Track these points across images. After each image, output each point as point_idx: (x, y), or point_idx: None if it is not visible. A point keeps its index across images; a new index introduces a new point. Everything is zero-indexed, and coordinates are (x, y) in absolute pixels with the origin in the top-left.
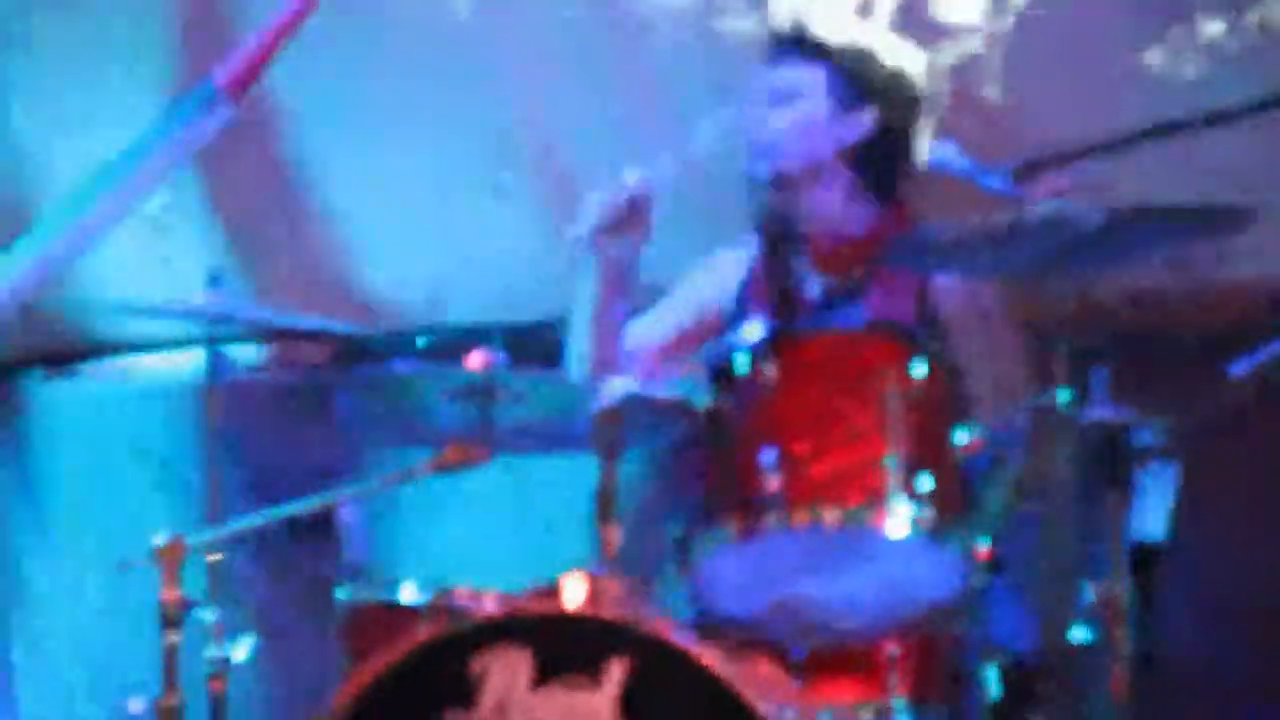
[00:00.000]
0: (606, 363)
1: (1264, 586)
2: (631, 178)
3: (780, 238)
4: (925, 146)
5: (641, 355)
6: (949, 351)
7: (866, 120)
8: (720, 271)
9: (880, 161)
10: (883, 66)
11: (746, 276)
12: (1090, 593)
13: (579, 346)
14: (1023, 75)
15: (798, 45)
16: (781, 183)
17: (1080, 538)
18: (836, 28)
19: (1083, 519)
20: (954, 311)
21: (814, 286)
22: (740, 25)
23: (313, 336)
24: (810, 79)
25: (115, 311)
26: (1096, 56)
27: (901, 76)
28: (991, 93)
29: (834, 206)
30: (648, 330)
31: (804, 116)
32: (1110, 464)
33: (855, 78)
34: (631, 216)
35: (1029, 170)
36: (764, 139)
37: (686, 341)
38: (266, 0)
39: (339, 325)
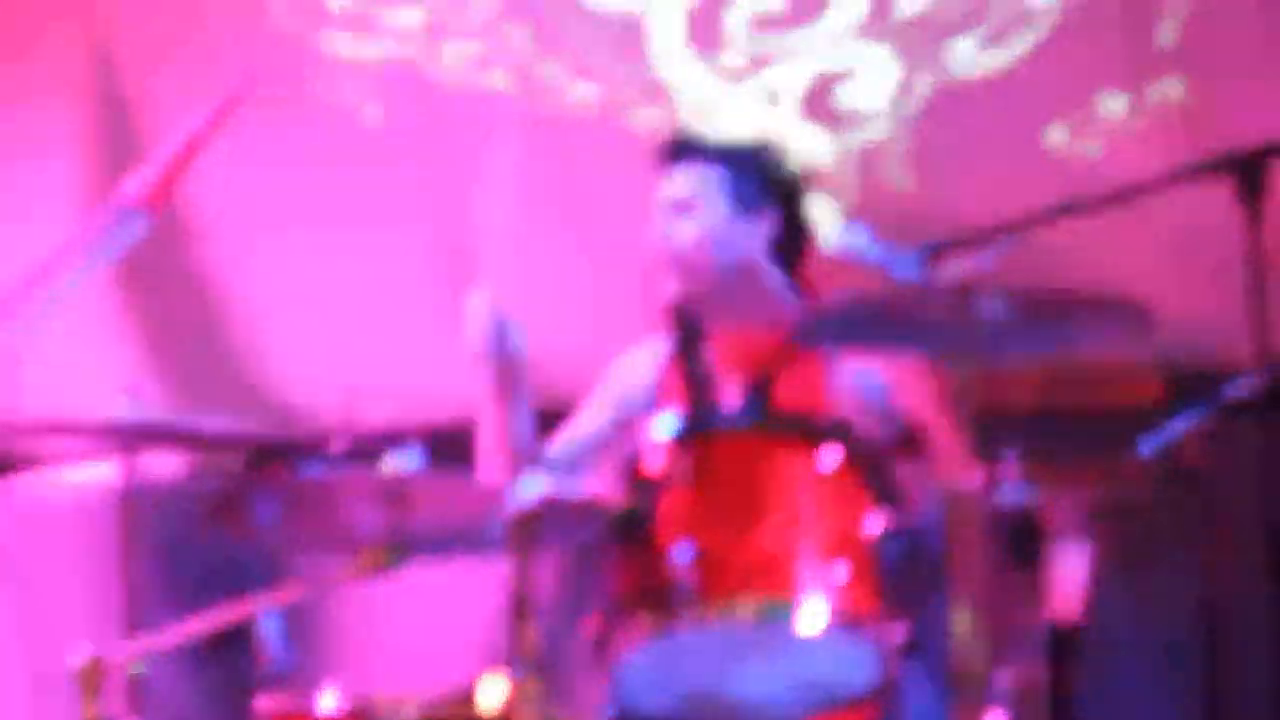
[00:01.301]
0: (513, 465)
1: (1181, 666)
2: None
3: (688, 334)
4: (838, 230)
5: (572, 462)
6: (860, 440)
7: (766, 225)
8: (633, 370)
9: (788, 260)
10: (780, 161)
11: (659, 374)
12: (1006, 678)
13: (485, 451)
14: (929, 158)
15: (689, 149)
16: (691, 293)
17: (995, 621)
18: (742, 117)
19: (997, 602)
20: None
21: (730, 390)
22: (651, 115)
23: (229, 444)
24: (706, 183)
25: (30, 430)
26: (1000, 137)
27: (798, 172)
28: (899, 177)
29: (745, 310)
30: (572, 440)
31: (706, 224)
32: (1023, 547)
33: (753, 177)
34: (505, 321)
35: (937, 254)
36: (669, 251)
37: (611, 442)
38: (180, 109)
39: (254, 430)
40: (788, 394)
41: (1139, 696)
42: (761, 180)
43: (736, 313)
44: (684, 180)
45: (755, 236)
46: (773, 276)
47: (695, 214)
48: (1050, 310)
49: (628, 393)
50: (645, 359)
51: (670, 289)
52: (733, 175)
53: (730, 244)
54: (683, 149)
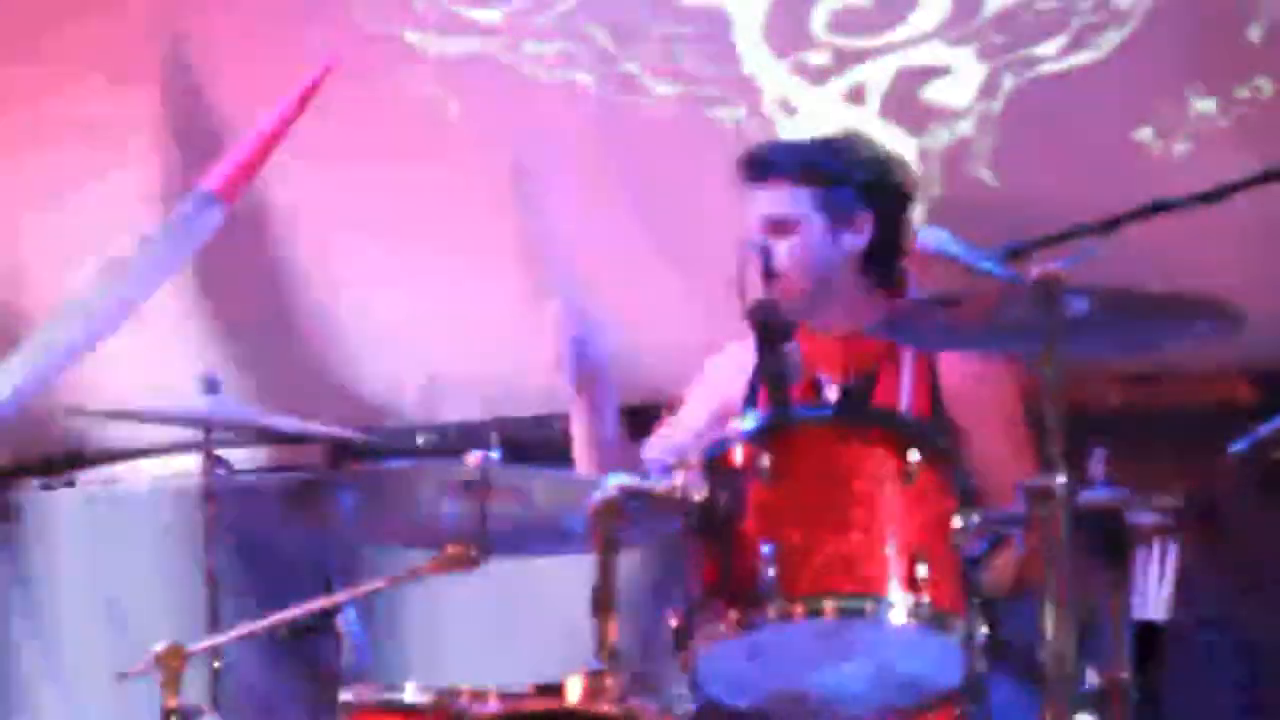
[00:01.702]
0: (600, 462)
1: (1268, 666)
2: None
3: (770, 328)
4: (920, 231)
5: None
6: (949, 437)
7: (864, 229)
8: (725, 369)
9: (883, 259)
10: (869, 164)
11: (752, 370)
12: (1093, 676)
13: (577, 449)
14: (1014, 156)
15: (781, 165)
16: (792, 304)
17: (1082, 620)
18: (826, 117)
19: (1084, 601)
20: (959, 394)
21: (829, 389)
22: (734, 113)
23: (309, 438)
24: (801, 200)
25: (112, 418)
26: (1087, 136)
27: (889, 168)
28: (983, 174)
29: (844, 312)
30: (668, 438)
31: (805, 243)
32: (1109, 545)
33: (845, 186)
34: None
35: (1021, 252)
36: (769, 268)
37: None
38: (260, 104)
39: (335, 428)
40: (884, 394)
41: (1227, 696)
42: (854, 187)
43: (831, 316)
44: (779, 198)
45: (852, 247)
46: (869, 279)
47: (793, 233)
48: (1137, 309)
49: (724, 387)
50: (741, 354)
51: (770, 298)
52: (826, 188)
53: (828, 258)
54: (775, 165)
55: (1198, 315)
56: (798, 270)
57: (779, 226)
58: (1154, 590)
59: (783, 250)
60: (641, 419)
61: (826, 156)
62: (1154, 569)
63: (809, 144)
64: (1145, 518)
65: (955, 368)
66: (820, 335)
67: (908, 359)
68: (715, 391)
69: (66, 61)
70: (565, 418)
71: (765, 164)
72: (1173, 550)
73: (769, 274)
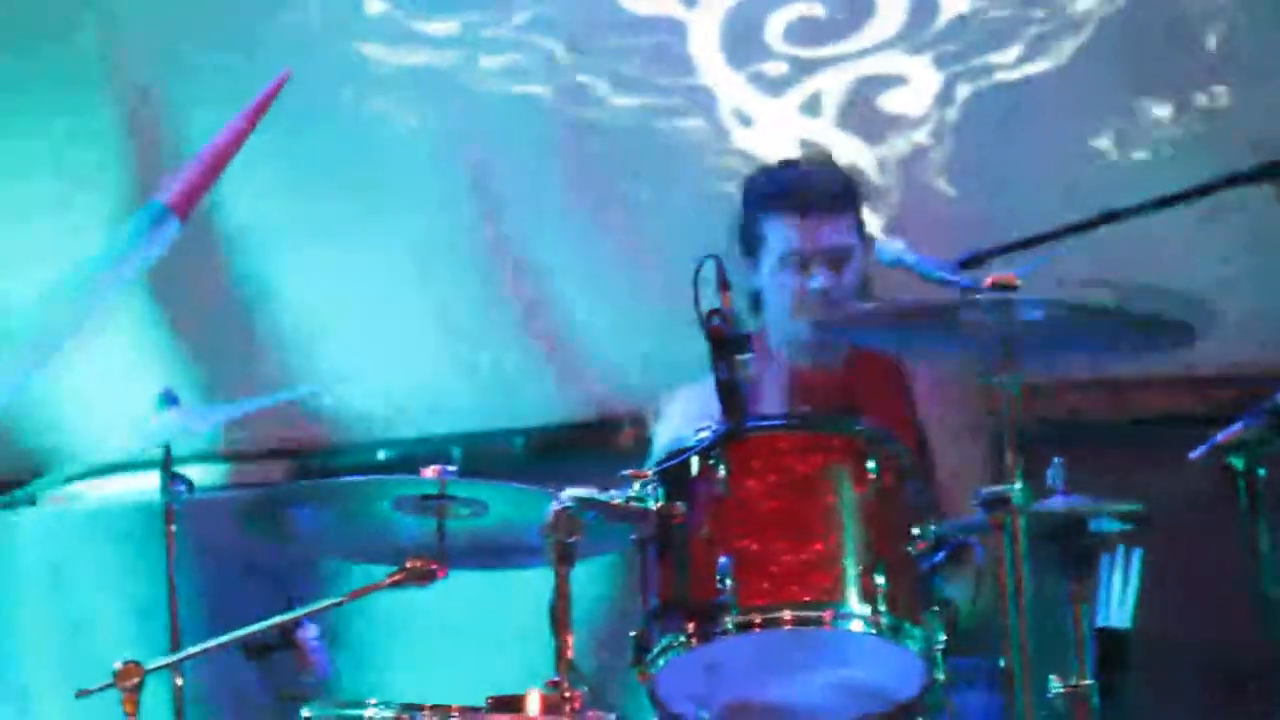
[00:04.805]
0: None
1: (1230, 672)
2: None
3: (725, 338)
4: (877, 242)
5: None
6: (907, 448)
7: (870, 250)
8: (683, 406)
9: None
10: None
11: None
12: (1056, 683)
13: None
14: (970, 165)
15: (838, 199)
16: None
17: (1045, 628)
18: (782, 127)
19: (1047, 609)
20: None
21: (783, 397)
22: (690, 124)
23: (270, 454)
24: (852, 231)
25: (70, 436)
26: (1043, 144)
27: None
28: (940, 183)
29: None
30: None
31: (858, 269)
32: (1072, 553)
33: (859, 212)
34: None
35: (976, 261)
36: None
37: None
38: (215, 118)
39: (296, 439)
40: (844, 400)
41: (1189, 701)
42: (859, 209)
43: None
44: (837, 228)
45: (867, 266)
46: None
47: (849, 262)
48: (1091, 318)
49: (683, 427)
50: (696, 391)
51: (827, 329)
52: (858, 214)
53: (860, 274)
54: (833, 195)
55: (1149, 324)
56: (850, 295)
57: (840, 257)
58: (1117, 597)
59: (841, 281)
60: (598, 432)
61: (852, 181)
62: (1117, 576)
63: (833, 169)
64: (1108, 525)
65: (924, 379)
66: (801, 368)
67: (876, 366)
68: (677, 431)
69: (21, 82)
70: (526, 432)
71: (826, 194)
72: (1136, 557)
73: (725, 284)
